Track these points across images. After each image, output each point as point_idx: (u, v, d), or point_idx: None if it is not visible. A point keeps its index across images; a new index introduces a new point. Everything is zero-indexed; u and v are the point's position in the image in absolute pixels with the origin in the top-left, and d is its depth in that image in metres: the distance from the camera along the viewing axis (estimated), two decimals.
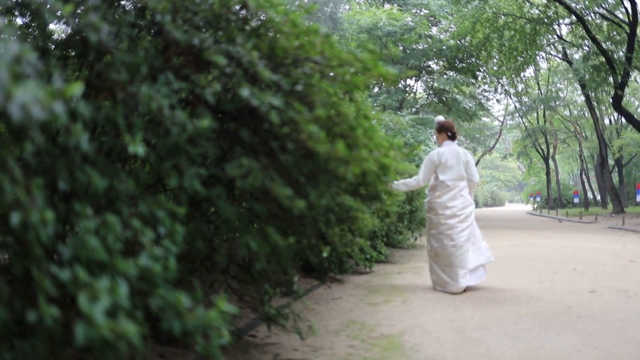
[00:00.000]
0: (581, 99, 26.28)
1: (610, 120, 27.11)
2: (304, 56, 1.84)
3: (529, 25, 16.89)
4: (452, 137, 4.47)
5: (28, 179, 0.98)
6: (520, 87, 25.04)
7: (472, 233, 4.28)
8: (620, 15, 16.81)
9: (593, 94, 20.94)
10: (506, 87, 23.93)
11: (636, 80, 24.32)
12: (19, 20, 1.97)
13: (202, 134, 1.59)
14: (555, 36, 19.99)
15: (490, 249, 4.51)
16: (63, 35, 2.29)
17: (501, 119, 33.71)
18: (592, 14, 16.99)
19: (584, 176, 29.96)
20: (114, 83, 1.38)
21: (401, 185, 4.34)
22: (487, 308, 3.51)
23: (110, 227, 1.14)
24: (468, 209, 4.29)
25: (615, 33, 16.64)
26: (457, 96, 20.09)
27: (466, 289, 4.19)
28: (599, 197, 28.91)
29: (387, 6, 17.85)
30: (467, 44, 17.71)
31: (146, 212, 1.32)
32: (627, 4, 15.12)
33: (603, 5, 16.32)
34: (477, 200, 46.05)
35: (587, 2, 15.65)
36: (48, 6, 1.25)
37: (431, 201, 4.37)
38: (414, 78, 19.39)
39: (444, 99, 19.71)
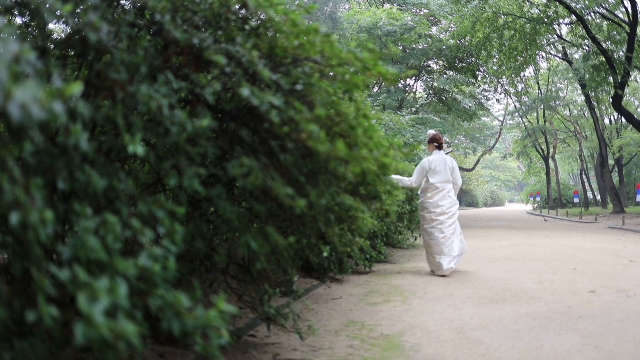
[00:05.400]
0: (581, 99, 26.27)
1: (610, 120, 27.09)
2: (303, 56, 1.84)
3: (529, 25, 16.87)
4: (439, 148, 5.42)
5: (28, 178, 0.98)
6: (520, 87, 24.98)
7: (456, 227, 5.24)
8: (621, 15, 16.80)
9: (593, 94, 20.92)
10: (506, 87, 23.89)
11: (636, 80, 24.29)
12: (19, 20, 1.97)
13: (202, 134, 1.59)
14: (555, 36, 19.96)
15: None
16: (63, 35, 2.29)
17: (501, 119, 33.67)
18: (592, 14, 16.97)
19: (584, 176, 29.95)
20: (114, 83, 1.38)
21: (396, 180, 5.04)
22: (487, 308, 3.51)
23: (110, 227, 1.14)
24: (454, 208, 5.27)
25: (615, 33, 16.62)
26: (457, 96, 20.08)
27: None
28: (599, 197, 28.91)
29: (387, 6, 17.84)
30: (467, 43, 17.69)
31: (146, 212, 1.32)
32: (628, 4, 15.11)
33: (603, 5, 16.30)
34: (477, 200, 46.11)
35: (587, 2, 15.62)
36: (48, 6, 1.25)
37: (424, 201, 5.30)
38: (414, 78, 19.39)
39: (444, 98, 19.71)
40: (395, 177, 5.05)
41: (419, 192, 5.46)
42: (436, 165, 5.25)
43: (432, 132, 5.60)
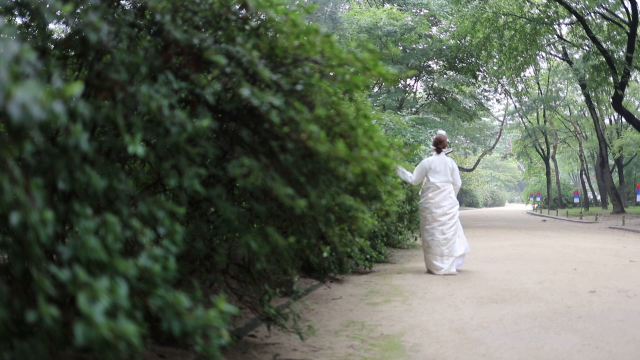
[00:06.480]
0: (581, 98, 26.28)
1: (610, 120, 27.11)
2: (303, 56, 1.84)
3: (529, 25, 16.87)
4: (437, 150, 5.51)
5: (27, 178, 0.98)
6: (520, 87, 24.97)
7: (457, 227, 5.32)
8: (621, 15, 16.80)
9: (593, 94, 20.93)
10: (506, 87, 23.88)
11: (636, 80, 24.30)
12: (19, 20, 1.97)
13: (202, 134, 1.59)
14: (555, 36, 19.97)
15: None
16: (62, 35, 2.30)
17: (501, 119, 33.68)
18: (592, 14, 16.97)
19: (584, 176, 29.97)
20: (114, 83, 1.38)
21: (401, 172, 5.27)
22: (487, 308, 3.51)
23: (110, 227, 1.14)
24: (455, 208, 5.35)
25: (615, 33, 16.62)
26: (457, 96, 20.08)
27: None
28: (599, 197, 28.92)
29: (387, 6, 17.84)
30: (467, 43, 17.69)
31: (146, 212, 1.32)
32: (628, 4, 15.11)
33: (603, 5, 16.30)
34: (477, 200, 46.15)
35: (587, 2, 15.62)
36: (47, 6, 1.25)
37: (426, 202, 5.39)
38: (414, 78, 19.39)
39: (444, 98, 19.71)
40: (400, 168, 5.19)
41: (420, 193, 5.60)
42: (436, 165, 5.38)
43: (441, 132, 5.72)
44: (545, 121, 28.29)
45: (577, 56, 22.37)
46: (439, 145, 5.55)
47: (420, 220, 5.50)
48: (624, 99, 19.31)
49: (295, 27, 1.85)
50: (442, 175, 5.35)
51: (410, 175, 5.43)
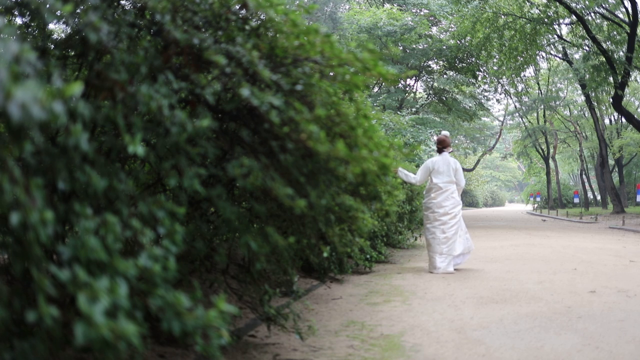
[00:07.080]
0: (581, 99, 26.29)
1: (610, 120, 27.11)
2: (303, 56, 1.84)
3: (529, 25, 16.87)
4: (438, 151, 5.63)
5: (27, 178, 0.98)
6: (520, 87, 24.96)
7: (459, 227, 5.43)
8: (621, 15, 16.81)
9: (593, 94, 20.92)
10: (506, 87, 23.87)
11: (636, 80, 24.30)
12: (19, 20, 1.97)
13: (202, 134, 1.59)
14: (555, 36, 19.96)
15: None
16: (63, 35, 2.30)
17: (501, 119, 33.69)
18: (592, 14, 16.97)
19: (584, 176, 29.97)
20: (114, 83, 1.38)
21: (403, 174, 5.43)
22: (487, 308, 3.51)
23: (109, 227, 1.14)
24: (457, 208, 5.48)
25: (615, 33, 16.62)
26: (457, 96, 20.08)
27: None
28: (599, 197, 28.93)
29: (387, 6, 17.84)
30: (467, 43, 17.69)
31: (146, 212, 1.32)
32: (628, 4, 15.12)
33: (603, 5, 16.31)
34: (477, 200, 46.17)
35: (587, 2, 15.62)
36: (47, 6, 1.25)
37: (428, 202, 5.51)
38: (414, 78, 19.39)
39: (444, 98, 19.71)
40: (403, 170, 5.33)
41: (424, 192, 5.74)
42: (439, 165, 5.47)
43: (444, 133, 5.81)
44: (545, 121, 28.29)
45: (577, 56, 22.37)
46: (439, 146, 5.64)
47: (423, 219, 5.62)
48: (624, 99, 19.32)
49: (295, 27, 1.85)
50: (445, 175, 5.44)
51: (413, 177, 5.51)
